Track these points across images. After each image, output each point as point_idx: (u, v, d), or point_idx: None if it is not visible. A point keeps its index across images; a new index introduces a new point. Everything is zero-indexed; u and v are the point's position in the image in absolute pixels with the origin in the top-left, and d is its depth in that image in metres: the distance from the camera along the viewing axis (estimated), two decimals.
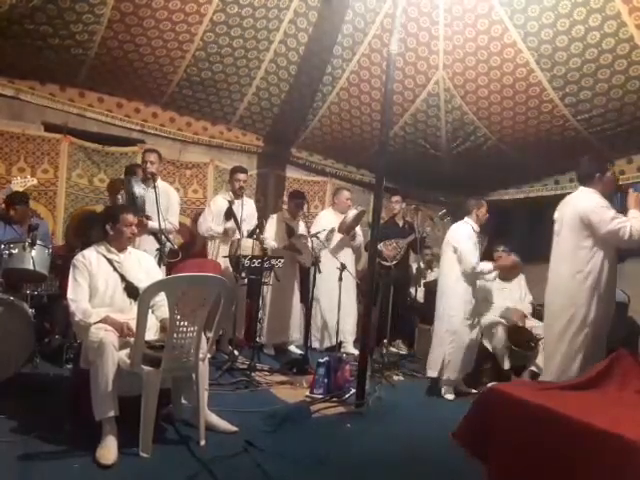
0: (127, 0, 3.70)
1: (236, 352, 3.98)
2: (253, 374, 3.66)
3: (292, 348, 4.69)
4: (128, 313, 2.61)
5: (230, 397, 3.20)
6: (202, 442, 2.48)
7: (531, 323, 4.15)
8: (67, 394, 2.80)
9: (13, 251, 3.24)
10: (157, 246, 3.71)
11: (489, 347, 4.01)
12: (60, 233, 4.51)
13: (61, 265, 3.56)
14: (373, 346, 4.24)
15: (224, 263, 4.21)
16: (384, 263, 4.77)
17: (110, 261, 2.71)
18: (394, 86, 3.79)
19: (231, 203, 4.32)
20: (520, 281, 4.41)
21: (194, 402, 2.56)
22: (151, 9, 3.80)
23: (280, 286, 4.47)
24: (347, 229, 4.82)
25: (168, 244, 3.70)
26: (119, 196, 4.00)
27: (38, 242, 3.32)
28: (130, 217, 2.78)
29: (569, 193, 3.22)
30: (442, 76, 4.46)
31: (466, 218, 3.83)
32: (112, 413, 2.32)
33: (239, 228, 4.17)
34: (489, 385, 3.30)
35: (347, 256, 4.85)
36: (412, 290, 5.33)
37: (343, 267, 4.24)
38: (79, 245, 3.54)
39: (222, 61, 4.45)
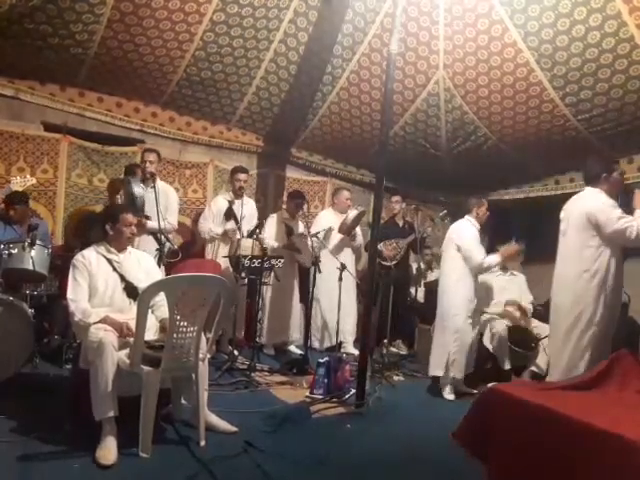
0: (127, 0, 3.70)
1: (236, 352, 3.97)
2: (253, 374, 3.65)
3: (292, 348, 4.69)
4: (128, 313, 2.61)
5: (230, 397, 3.20)
6: (202, 442, 2.47)
7: (531, 323, 4.15)
8: (67, 394, 2.79)
9: (13, 251, 3.24)
10: (157, 246, 3.71)
11: (489, 347, 4.00)
12: (59, 233, 4.51)
13: (60, 265, 3.56)
14: (373, 346, 4.23)
15: (224, 263, 4.20)
16: (384, 263, 4.76)
17: (110, 261, 2.71)
18: (394, 86, 3.79)
19: (231, 203, 4.32)
20: (520, 282, 4.41)
21: (194, 402, 2.56)
22: (151, 9, 3.80)
23: (280, 286, 4.47)
24: (347, 230, 4.82)
25: (168, 244, 3.69)
26: (118, 196, 4.00)
27: (38, 242, 3.32)
28: (130, 217, 2.78)
29: (569, 193, 3.22)
30: (442, 76, 4.45)
31: (467, 216, 3.83)
32: (112, 413, 2.32)
33: (239, 228, 4.17)
34: (489, 385, 3.29)
35: (347, 256, 4.85)
36: (412, 290, 5.33)
37: (343, 267, 4.23)
38: (78, 245, 3.54)
39: (222, 61, 4.44)
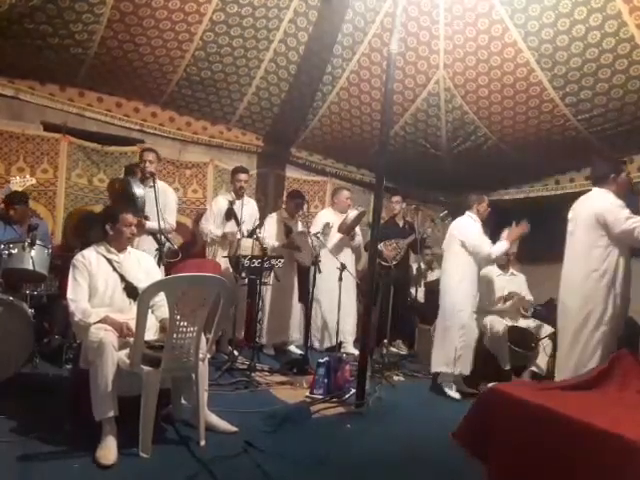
0: (127, 0, 3.69)
1: (236, 352, 3.97)
2: (253, 374, 3.65)
3: (292, 348, 4.69)
4: (128, 313, 2.61)
5: (230, 397, 3.20)
6: (202, 442, 2.47)
7: (531, 323, 4.15)
8: (67, 394, 2.79)
9: (13, 251, 3.24)
10: (156, 246, 3.71)
11: (489, 347, 4.00)
12: (59, 233, 4.51)
13: (60, 265, 3.55)
14: (373, 346, 4.23)
15: (224, 263, 4.20)
16: (384, 263, 4.76)
17: (110, 261, 2.71)
18: (394, 85, 3.79)
19: (232, 203, 4.32)
20: (520, 282, 4.41)
21: (194, 402, 2.56)
22: (151, 8, 3.80)
23: (279, 286, 4.47)
24: (347, 229, 4.81)
25: (168, 244, 3.69)
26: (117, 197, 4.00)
27: (38, 242, 3.32)
28: (130, 217, 2.78)
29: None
30: (442, 75, 4.45)
31: (468, 213, 3.84)
32: (112, 413, 2.32)
33: (240, 230, 4.17)
34: (489, 385, 3.29)
35: (347, 256, 4.85)
36: (412, 290, 5.33)
37: (343, 267, 4.23)
38: (78, 245, 3.54)
39: (222, 61, 4.44)
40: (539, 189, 5.43)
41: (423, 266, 5.37)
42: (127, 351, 2.44)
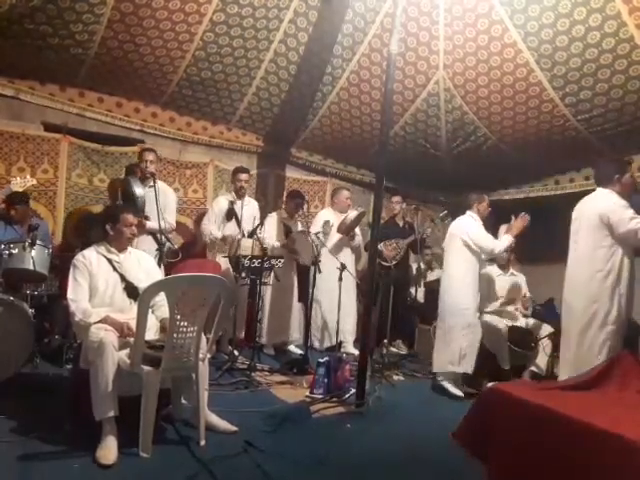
0: (127, 0, 3.70)
1: (236, 352, 3.98)
2: (253, 374, 3.65)
3: (292, 348, 4.69)
4: (128, 313, 2.61)
5: (230, 397, 3.20)
6: (202, 442, 2.48)
7: (530, 322, 4.15)
8: (67, 394, 2.79)
9: (13, 251, 3.24)
10: (155, 246, 3.71)
11: (489, 347, 4.01)
12: (60, 233, 4.51)
13: (61, 265, 3.55)
14: (373, 346, 4.24)
15: (225, 264, 4.20)
16: (384, 263, 4.77)
17: (110, 261, 2.71)
18: (394, 86, 3.79)
19: (233, 203, 4.32)
20: (520, 282, 4.41)
21: (194, 402, 2.56)
22: (151, 9, 3.80)
23: (279, 286, 4.47)
24: (346, 230, 4.82)
25: (168, 244, 3.70)
26: (117, 198, 4.01)
27: (38, 242, 3.32)
28: (130, 217, 2.78)
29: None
30: (442, 76, 4.46)
31: (468, 212, 3.84)
32: (112, 413, 2.32)
33: (241, 231, 4.18)
34: (489, 385, 3.29)
35: (347, 256, 4.85)
36: (412, 290, 5.33)
37: (343, 267, 4.24)
38: (79, 245, 3.54)
39: (222, 61, 4.44)
40: (539, 189, 5.43)
41: (423, 266, 5.38)
42: (127, 351, 2.44)
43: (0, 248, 3.22)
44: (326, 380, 3.37)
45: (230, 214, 4.31)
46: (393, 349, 4.91)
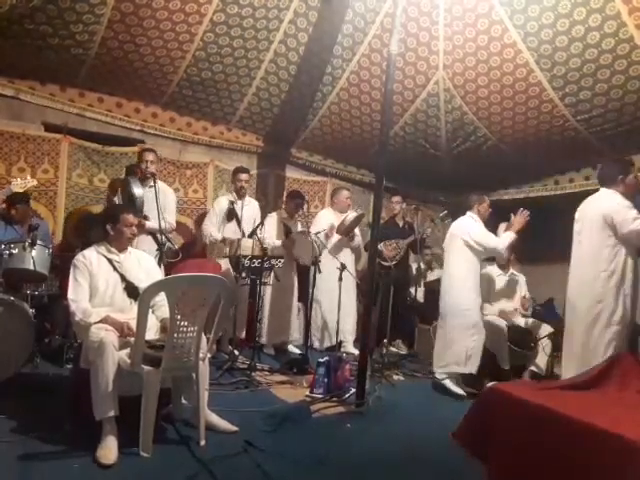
0: (127, 0, 3.70)
1: (236, 352, 3.98)
2: (253, 374, 3.66)
3: (290, 347, 4.69)
4: (128, 313, 2.61)
5: (230, 397, 3.20)
6: (202, 442, 2.48)
7: (530, 322, 4.15)
8: (67, 394, 2.79)
9: (13, 251, 3.24)
10: (155, 246, 3.72)
11: (489, 347, 4.01)
12: (60, 233, 4.51)
13: (61, 265, 3.56)
14: (373, 346, 4.24)
15: (225, 264, 4.21)
16: (384, 263, 4.77)
17: (110, 261, 2.72)
18: (394, 86, 3.80)
19: (234, 204, 4.32)
20: (520, 282, 4.41)
21: (194, 402, 2.56)
22: (151, 9, 3.80)
23: (279, 286, 4.47)
24: (345, 231, 4.83)
25: (168, 244, 3.70)
26: (115, 198, 4.01)
27: (38, 242, 3.32)
28: (130, 217, 2.79)
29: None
30: (442, 76, 4.46)
31: (469, 213, 3.84)
32: (112, 413, 2.32)
33: (240, 229, 4.18)
34: (489, 385, 3.29)
35: (347, 256, 4.86)
36: (412, 290, 5.33)
37: (343, 267, 4.24)
38: (79, 245, 3.54)
39: (222, 61, 4.45)
40: (538, 189, 5.44)
41: (423, 266, 5.38)
42: (128, 351, 2.45)
43: (0, 248, 3.22)
44: (326, 380, 3.37)
45: (231, 214, 4.31)
46: (393, 349, 4.92)
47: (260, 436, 2.60)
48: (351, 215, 4.81)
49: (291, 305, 4.73)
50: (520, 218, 3.75)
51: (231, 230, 4.36)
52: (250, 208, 4.46)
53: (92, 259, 2.68)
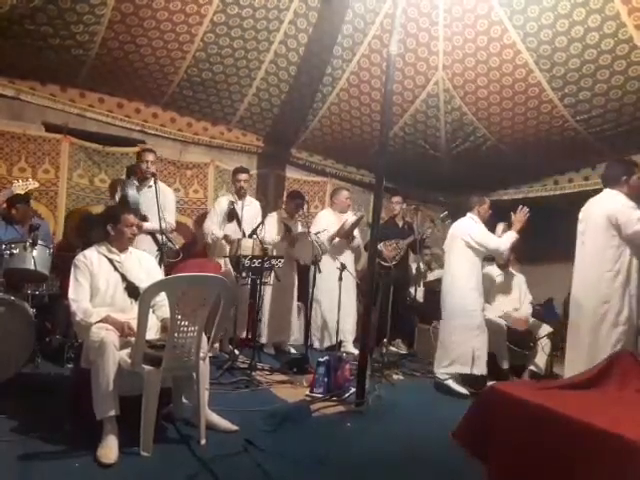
0: (128, 1, 3.71)
1: (236, 351, 3.98)
2: (253, 373, 3.66)
3: (288, 348, 4.68)
4: (129, 313, 2.62)
5: (230, 396, 3.20)
6: (202, 441, 2.48)
7: (531, 322, 4.16)
8: (68, 394, 2.80)
9: (14, 251, 3.24)
10: (154, 246, 3.72)
11: (489, 347, 4.01)
12: (61, 233, 4.52)
13: (62, 265, 3.56)
14: (373, 346, 4.24)
15: (225, 264, 4.21)
16: (384, 263, 4.78)
17: (111, 261, 2.72)
18: (394, 87, 3.80)
19: (234, 204, 4.33)
20: (520, 282, 4.42)
21: (194, 401, 2.56)
22: (152, 10, 3.81)
23: (279, 286, 4.48)
24: (346, 234, 4.85)
25: (169, 244, 3.70)
26: (115, 198, 4.02)
27: (39, 242, 3.32)
28: (131, 218, 2.80)
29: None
30: (441, 77, 4.47)
31: (469, 214, 3.85)
32: (113, 412, 2.32)
33: (241, 229, 4.18)
34: (489, 385, 3.30)
35: (347, 256, 4.87)
36: (412, 290, 5.34)
37: (343, 267, 4.25)
38: (80, 245, 3.55)
39: (222, 62, 4.45)
40: (538, 189, 5.45)
41: (422, 266, 5.39)
42: (128, 350, 2.45)
43: (1, 248, 3.23)
44: (326, 379, 3.37)
45: (231, 214, 4.32)
46: (393, 348, 4.92)
47: (260, 435, 2.60)
48: (351, 218, 4.83)
49: (291, 305, 4.73)
50: (520, 216, 3.74)
51: (231, 230, 4.37)
52: (251, 208, 4.46)
53: (93, 259, 2.68)
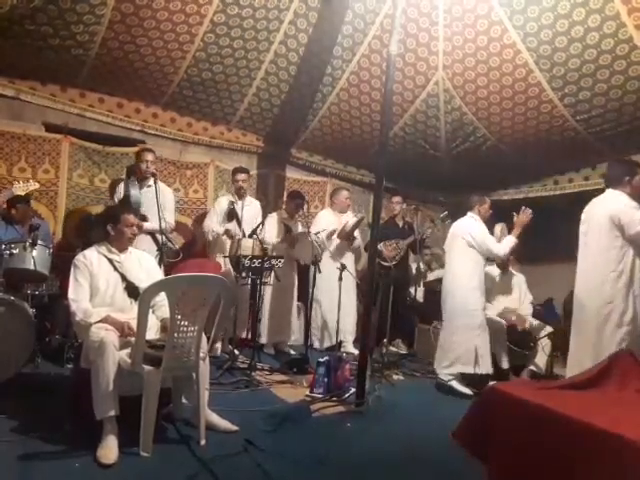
0: (128, 1, 3.71)
1: (236, 351, 3.98)
2: (253, 373, 3.66)
3: (286, 348, 4.68)
4: (129, 313, 2.62)
5: (230, 396, 3.20)
6: (202, 441, 2.48)
7: (531, 322, 4.16)
8: (68, 394, 2.80)
9: (14, 251, 3.24)
10: (153, 246, 3.72)
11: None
12: (61, 233, 4.52)
13: (61, 265, 3.56)
14: (373, 346, 4.24)
15: (225, 264, 4.21)
16: (384, 263, 4.78)
17: (111, 261, 2.72)
18: (394, 87, 3.80)
19: (234, 204, 4.33)
20: (520, 282, 4.42)
21: (194, 401, 2.56)
22: (152, 10, 3.81)
23: (279, 286, 4.48)
24: (346, 236, 4.85)
25: (169, 244, 3.70)
26: (115, 198, 4.02)
27: (39, 242, 3.32)
28: (131, 217, 2.80)
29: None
30: (441, 77, 4.47)
31: (470, 213, 3.85)
32: (113, 412, 2.32)
33: (241, 229, 4.18)
34: (489, 385, 3.30)
35: (347, 257, 4.87)
36: (412, 290, 5.34)
37: (343, 267, 4.25)
38: (80, 245, 3.55)
39: (222, 62, 4.45)
40: (538, 189, 5.45)
41: (422, 266, 5.39)
42: (128, 350, 2.45)
43: (1, 248, 3.23)
44: (326, 379, 3.37)
45: (231, 214, 4.32)
46: (393, 349, 4.92)
47: (260, 436, 2.60)
48: (351, 220, 4.83)
49: (291, 305, 4.73)
50: (523, 217, 3.73)
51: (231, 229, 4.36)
52: (251, 208, 4.47)
53: (93, 259, 2.68)
